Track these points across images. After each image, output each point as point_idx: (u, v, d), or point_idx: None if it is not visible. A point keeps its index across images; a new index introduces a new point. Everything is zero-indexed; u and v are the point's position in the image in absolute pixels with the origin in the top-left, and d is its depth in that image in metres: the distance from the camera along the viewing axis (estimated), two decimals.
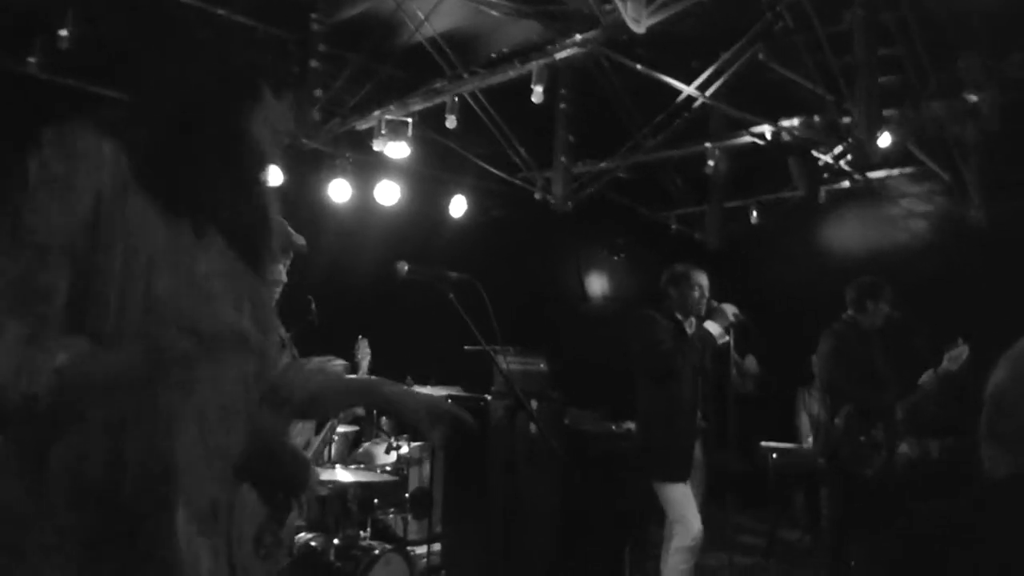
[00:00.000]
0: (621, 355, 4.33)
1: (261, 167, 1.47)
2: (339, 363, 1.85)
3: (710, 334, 3.87)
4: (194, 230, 1.33)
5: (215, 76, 1.37)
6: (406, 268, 2.84)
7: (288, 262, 2.52)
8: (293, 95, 1.51)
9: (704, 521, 3.91)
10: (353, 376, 2.66)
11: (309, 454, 4.04)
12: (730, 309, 3.92)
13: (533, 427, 4.71)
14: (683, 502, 3.86)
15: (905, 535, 1.38)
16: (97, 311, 1.20)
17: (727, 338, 3.90)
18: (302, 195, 5.76)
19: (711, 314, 3.94)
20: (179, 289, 1.26)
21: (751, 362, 4.10)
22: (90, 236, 1.19)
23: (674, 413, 3.92)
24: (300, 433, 3.55)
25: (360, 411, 3.38)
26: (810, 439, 6.33)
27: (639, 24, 3.42)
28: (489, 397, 4.97)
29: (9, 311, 1.13)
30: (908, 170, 6.31)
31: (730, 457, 4.14)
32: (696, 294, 4.07)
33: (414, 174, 6.46)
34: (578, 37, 4.30)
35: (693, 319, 4.11)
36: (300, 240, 2.51)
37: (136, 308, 1.21)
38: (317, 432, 3.82)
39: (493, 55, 5.44)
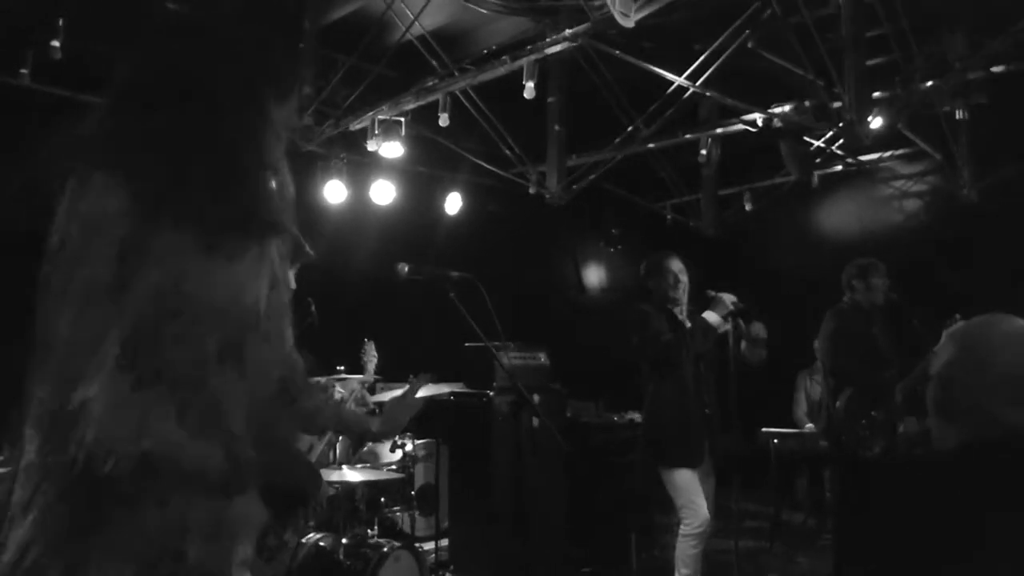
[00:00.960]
0: (620, 347, 4.36)
1: (272, 172, 1.47)
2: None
3: (709, 324, 3.90)
4: (225, 251, 1.32)
5: (220, 101, 1.35)
6: (406, 269, 2.88)
7: (296, 270, 2.53)
8: (295, 96, 1.51)
9: (710, 507, 3.95)
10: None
11: (313, 456, 4.07)
12: (728, 298, 3.94)
13: (536, 421, 4.74)
14: (690, 488, 3.89)
15: (861, 507, 1.48)
16: (141, 352, 1.21)
17: (727, 326, 3.93)
18: (298, 197, 5.76)
19: (710, 304, 3.96)
20: (217, 301, 1.27)
21: (758, 328, 4.06)
22: (121, 276, 1.20)
23: (679, 401, 3.96)
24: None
25: (368, 405, 3.40)
26: (809, 425, 6.38)
27: (628, 19, 3.43)
28: (491, 393, 5.00)
29: (79, 351, 1.15)
30: (900, 151, 6.35)
31: (733, 442, 4.17)
32: (671, 280, 4.10)
33: (408, 173, 6.47)
34: (568, 32, 4.30)
35: (680, 307, 4.14)
36: (311, 252, 2.53)
37: (169, 325, 1.23)
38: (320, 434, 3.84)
39: (484, 51, 5.46)
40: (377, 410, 5.18)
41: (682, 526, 3.91)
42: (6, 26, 4.34)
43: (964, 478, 1.38)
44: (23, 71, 4.52)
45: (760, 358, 4.04)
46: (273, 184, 1.49)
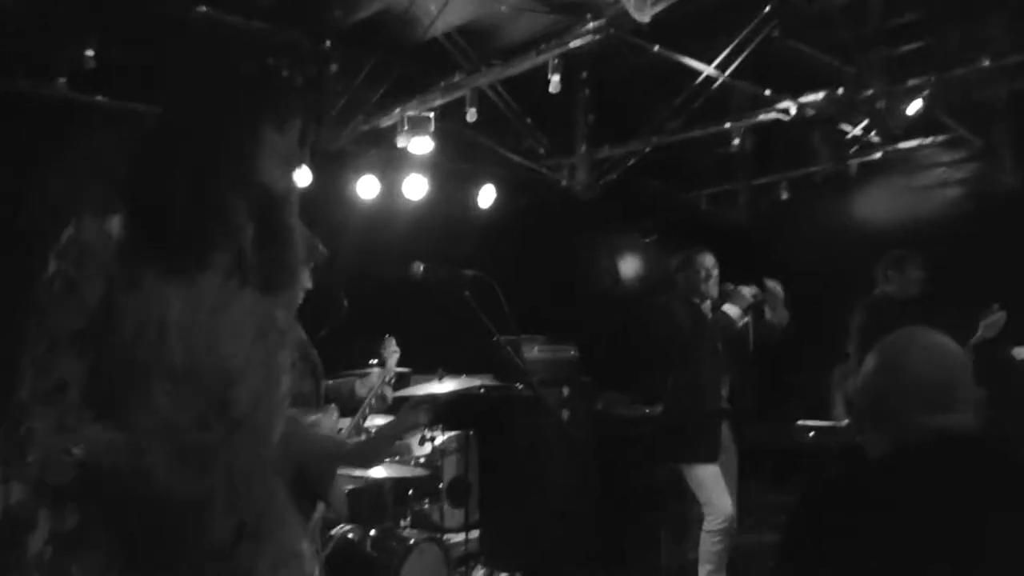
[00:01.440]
0: (645, 339, 4.37)
1: (276, 204, 1.49)
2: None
3: (729, 317, 3.88)
4: (217, 282, 1.37)
5: (212, 127, 1.38)
6: (421, 268, 2.94)
7: (310, 268, 2.59)
8: (302, 121, 1.49)
9: (738, 501, 3.93)
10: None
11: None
12: (748, 291, 3.92)
13: (565, 413, 4.76)
14: (711, 483, 3.88)
15: (801, 509, 1.53)
16: (117, 385, 1.27)
17: (746, 319, 3.91)
18: (328, 195, 5.85)
19: (729, 297, 3.95)
20: (197, 353, 1.31)
21: (773, 285, 4.00)
22: (101, 321, 1.26)
23: (697, 395, 3.95)
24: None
25: (388, 400, 3.46)
26: (846, 420, 6.26)
27: (643, 13, 3.41)
28: (520, 386, 5.02)
29: (36, 396, 1.23)
30: (939, 138, 6.20)
31: (765, 435, 4.15)
32: (702, 275, 4.09)
33: (438, 167, 6.51)
34: (591, 25, 4.29)
35: (708, 301, 4.12)
36: (323, 250, 2.59)
37: (155, 375, 1.28)
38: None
39: (510, 46, 5.46)
40: (406, 403, 5.26)
41: (705, 522, 3.90)
42: (40, 38, 4.46)
43: (892, 481, 1.44)
44: (61, 80, 4.65)
45: (783, 320, 4.00)
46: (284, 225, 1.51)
